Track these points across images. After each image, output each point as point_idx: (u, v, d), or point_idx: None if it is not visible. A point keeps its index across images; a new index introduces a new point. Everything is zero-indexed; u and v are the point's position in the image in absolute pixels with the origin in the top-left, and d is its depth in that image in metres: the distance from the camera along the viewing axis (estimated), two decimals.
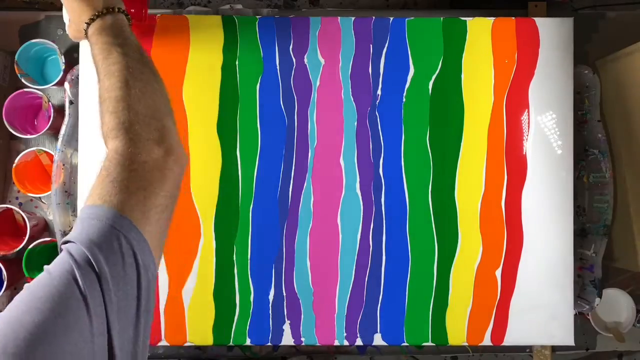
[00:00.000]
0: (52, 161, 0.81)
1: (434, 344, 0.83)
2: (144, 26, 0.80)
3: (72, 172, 0.82)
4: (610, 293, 0.85)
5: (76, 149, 0.81)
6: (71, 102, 0.81)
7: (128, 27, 0.61)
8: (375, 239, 0.82)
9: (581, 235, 0.85)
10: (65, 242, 0.43)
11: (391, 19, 0.82)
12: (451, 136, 0.82)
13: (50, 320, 0.37)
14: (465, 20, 0.82)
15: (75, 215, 0.81)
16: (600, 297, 0.82)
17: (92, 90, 0.81)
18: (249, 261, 0.81)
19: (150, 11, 0.84)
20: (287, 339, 0.82)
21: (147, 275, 0.45)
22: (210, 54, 0.82)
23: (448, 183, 0.82)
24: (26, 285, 0.40)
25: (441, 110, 0.82)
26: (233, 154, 0.81)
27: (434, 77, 0.82)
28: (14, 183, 0.82)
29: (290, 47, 0.82)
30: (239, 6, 0.87)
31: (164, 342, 0.81)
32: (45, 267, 0.41)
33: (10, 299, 0.86)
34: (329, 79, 0.82)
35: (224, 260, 0.81)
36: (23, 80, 0.82)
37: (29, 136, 0.82)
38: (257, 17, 0.83)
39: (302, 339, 0.82)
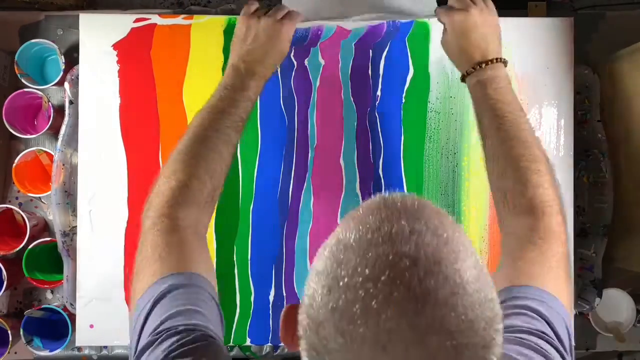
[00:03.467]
0: (52, 161, 0.81)
1: None
2: (145, 26, 0.80)
3: (72, 172, 0.82)
4: (610, 293, 0.85)
5: (76, 149, 0.81)
6: (71, 102, 0.81)
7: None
8: None
9: (581, 235, 0.85)
10: None
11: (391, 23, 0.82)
12: (452, 136, 0.82)
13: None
14: None
15: (75, 215, 0.81)
16: (600, 297, 0.82)
17: (92, 90, 0.81)
18: (249, 261, 0.81)
19: (150, 11, 0.84)
20: None
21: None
22: (211, 55, 0.81)
23: (448, 184, 0.82)
24: None
25: (442, 110, 0.82)
26: (233, 154, 0.81)
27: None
28: (14, 183, 0.82)
29: (292, 53, 0.82)
30: None
31: None
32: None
33: (10, 299, 0.86)
34: (329, 79, 0.82)
35: (224, 261, 0.81)
36: (23, 80, 0.82)
37: (29, 136, 0.82)
38: None
39: None
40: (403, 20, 0.82)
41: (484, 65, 0.65)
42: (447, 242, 0.35)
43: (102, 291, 0.80)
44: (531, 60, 0.82)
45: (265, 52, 0.67)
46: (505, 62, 0.66)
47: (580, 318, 0.85)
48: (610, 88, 0.85)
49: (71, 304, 0.80)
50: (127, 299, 0.80)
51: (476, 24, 0.66)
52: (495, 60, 0.65)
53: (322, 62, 0.82)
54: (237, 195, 0.81)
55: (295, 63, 0.82)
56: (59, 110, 0.83)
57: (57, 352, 0.81)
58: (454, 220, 0.38)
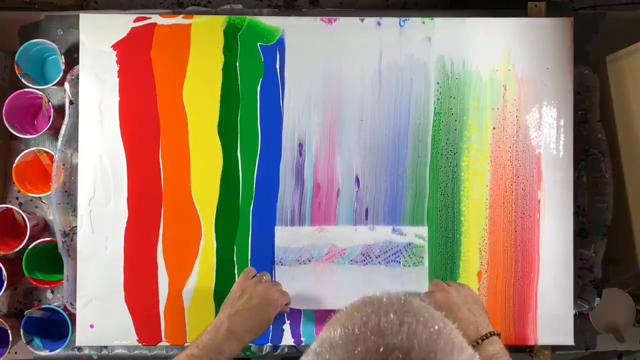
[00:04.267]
0: (52, 161, 0.81)
1: None
2: (144, 25, 0.80)
3: (72, 172, 0.82)
4: (610, 293, 0.85)
5: (76, 149, 0.81)
6: (71, 102, 0.81)
7: None
8: None
9: (581, 235, 0.85)
10: None
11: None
12: (452, 137, 0.82)
13: None
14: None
15: (75, 215, 0.81)
16: (600, 297, 0.82)
17: (92, 90, 0.81)
18: (249, 261, 0.81)
19: (150, 11, 0.84)
20: (287, 339, 0.82)
21: None
22: (211, 54, 0.81)
23: (448, 184, 0.82)
24: None
25: (442, 111, 0.82)
26: (234, 155, 0.81)
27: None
28: (14, 183, 0.82)
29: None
30: (239, 6, 0.87)
31: (164, 342, 0.81)
32: None
33: (10, 299, 0.86)
34: None
35: (225, 261, 0.81)
36: (23, 80, 0.82)
37: (29, 136, 0.82)
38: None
39: (302, 339, 0.82)
40: None
41: (480, 341, 0.66)
42: (440, 333, 0.32)
43: (102, 291, 0.80)
44: (531, 60, 0.82)
45: (254, 315, 0.68)
46: (499, 334, 0.67)
47: (580, 318, 0.85)
48: (610, 88, 0.85)
49: (71, 304, 0.81)
50: (127, 299, 0.80)
51: (458, 302, 0.69)
52: (489, 334, 0.66)
53: None
54: (237, 195, 0.81)
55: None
56: (59, 110, 0.83)
57: (57, 352, 0.81)
58: (443, 315, 0.36)
